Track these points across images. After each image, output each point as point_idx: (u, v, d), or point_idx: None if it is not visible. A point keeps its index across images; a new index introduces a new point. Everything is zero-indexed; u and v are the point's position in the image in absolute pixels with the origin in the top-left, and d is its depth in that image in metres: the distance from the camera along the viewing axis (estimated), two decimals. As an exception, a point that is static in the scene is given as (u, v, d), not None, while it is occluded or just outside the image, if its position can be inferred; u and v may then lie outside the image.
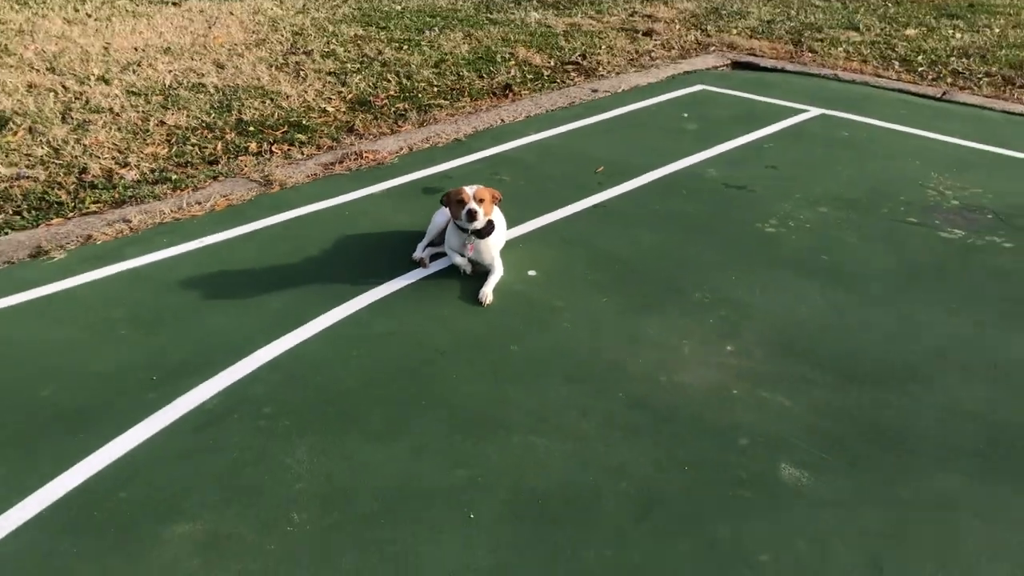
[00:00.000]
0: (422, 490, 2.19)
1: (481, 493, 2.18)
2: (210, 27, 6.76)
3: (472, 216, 3.01)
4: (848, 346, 2.83)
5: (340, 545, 2.02)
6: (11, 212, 3.69)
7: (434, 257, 3.31)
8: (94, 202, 3.80)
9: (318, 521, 2.09)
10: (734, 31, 7.08)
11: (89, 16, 6.95)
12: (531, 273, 3.24)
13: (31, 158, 4.20)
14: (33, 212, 3.70)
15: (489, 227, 3.11)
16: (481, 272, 3.17)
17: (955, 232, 3.64)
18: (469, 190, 3.05)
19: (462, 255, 3.17)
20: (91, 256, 3.32)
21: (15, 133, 4.49)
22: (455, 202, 3.05)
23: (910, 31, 7.29)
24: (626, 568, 1.98)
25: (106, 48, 6.04)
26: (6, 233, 3.51)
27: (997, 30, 7.41)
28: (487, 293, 3.05)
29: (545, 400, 2.54)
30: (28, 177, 4.01)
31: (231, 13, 7.25)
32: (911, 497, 2.21)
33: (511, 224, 3.49)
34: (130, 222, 3.59)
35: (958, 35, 7.18)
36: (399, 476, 2.23)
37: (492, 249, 3.15)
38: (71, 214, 3.69)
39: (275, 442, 2.35)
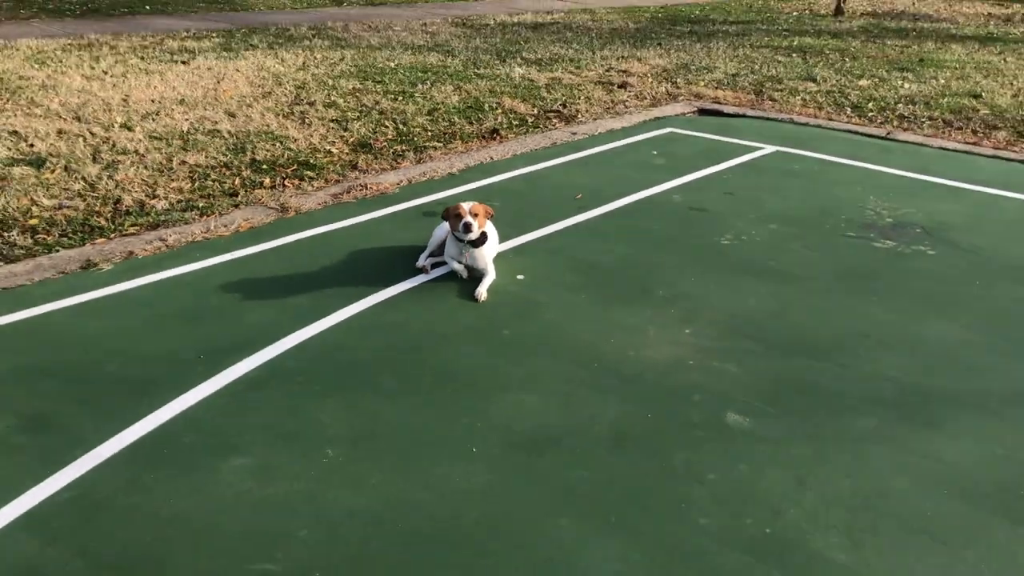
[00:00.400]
0: (431, 434, 2.71)
1: (481, 435, 2.70)
2: (219, 82, 7.42)
3: (468, 228, 3.59)
4: (788, 329, 3.40)
5: (367, 471, 2.53)
6: (58, 235, 4.23)
7: (435, 265, 3.87)
8: (132, 225, 4.35)
9: (348, 455, 2.60)
10: (701, 83, 7.83)
11: (105, 73, 7.60)
12: (519, 277, 3.80)
13: (69, 191, 4.76)
14: (78, 234, 4.24)
15: (483, 238, 3.68)
16: (476, 276, 3.73)
17: (887, 243, 4.25)
18: (466, 205, 3.63)
19: (460, 262, 3.73)
20: (135, 267, 3.86)
21: (52, 171, 5.06)
22: (453, 216, 3.63)
23: (863, 82, 8.06)
24: (601, 483, 2.50)
25: (125, 100, 6.67)
26: (57, 251, 4.04)
27: (942, 81, 8.21)
28: (482, 292, 3.61)
29: (532, 369, 3.08)
30: (69, 207, 4.56)
31: (237, 70, 7.93)
32: (832, 435, 2.75)
33: (502, 239, 4.06)
34: (165, 240, 4.14)
35: (907, 85, 7.96)
36: (412, 424, 2.75)
37: (486, 257, 3.72)
38: (112, 235, 4.24)
39: (308, 401, 2.87)
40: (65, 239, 4.17)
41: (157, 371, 3.01)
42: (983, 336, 3.42)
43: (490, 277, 3.71)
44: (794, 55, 9.47)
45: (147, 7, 12.32)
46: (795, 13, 13.89)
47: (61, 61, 8.02)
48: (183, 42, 9.44)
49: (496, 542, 2.26)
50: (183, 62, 8.25)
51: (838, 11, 14.01)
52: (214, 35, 10.04)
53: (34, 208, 4.50)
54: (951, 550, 2.27)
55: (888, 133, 6.33)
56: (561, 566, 2.18)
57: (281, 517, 2.32)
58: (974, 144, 6.11)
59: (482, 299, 3.58)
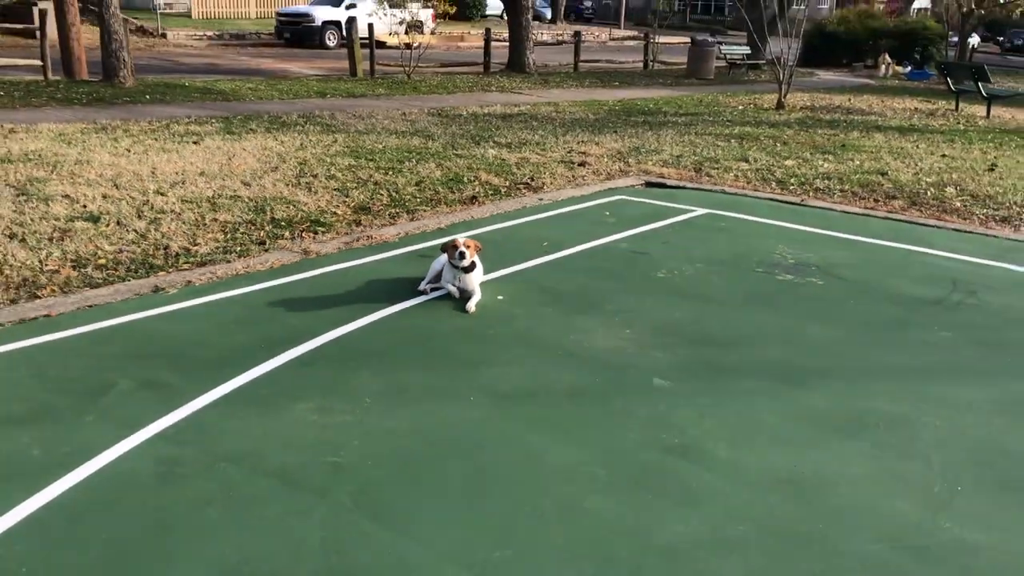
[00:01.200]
0: (441, 390, 3.83)
1: (476, 391, 3.83)
2: (230, 159, 8.67)
3: (462, 256, 4.78)
4: (703, 331, 4.61)
5: (397, 410, 3.64)
6: (124, 271, 5.34)
7: (433, 289, 5.03)
8: (184, 263, 5.49)
9: (382, 402, 3.70)
10: (650, 162, 9.25)
11: (128, 151, 8.82)
12: (500, 297, 4.98)
13: (125, 240, 5.90)
14: (141, 270, 5.36)
15: (472, 266, 4.88)
16: (466, 297, 4.90)
17: (787, 276, 5.53)
18: (460, 239, 4.84)
19: (454, 285, 4.91)
20: (194, 291, 4.97)
21: (107, 225, 6.20)
22: (451, 246, 4.83)
23: (789, 162, 9.55)
24: (561, 417, 3.63)
25: (153, 172, 7.87)
26: (128, 280, 5.15)
27: (857, 162, 9.73)
28: (471, 306, 4.78)
29: (511, 355, 4.23)
30: (128, 251, 5.69)
31: (244, 149, 9.20)
32: (727, 391, 3.93)
33: (486, 272, 5.23)
34: (215, 273, 5.28)
35: (826, 165, 9.46)
36: (426, 384, 3.88)
37: (474, 281, 4.90)
38: (170, 270, 5.36)
39: (347, 372, 3.98)
40: (132, 273, 5.29)
41: (230, 355, 4.11)
42: (850, 335, 4.65)
43: (477, 296, 4.88)
44: (732, 141, 11.01)
45: (147, 96, 13.65)
46: (740, 107, 15.64)
47: (84, 141, 9.23)
48: (187, 127, 10.72)
49: (490, 449, 3.37)
50: (195, 142, 9.51)
51: (779, 105, 15.79)
52: (214, 121, 11.34)
53: (99, 252, 5.62)
54: (799, 450, 3.42)
55: (802, 200, 7.72)
56: (535, 461, 3.29)
57: (340, 434, 3.42)
58: (872, 209, 7.51)
59: (471, 311, 4.75)
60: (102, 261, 5.44)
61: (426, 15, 25.63)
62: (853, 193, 8.17)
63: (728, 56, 24.07)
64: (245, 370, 3.93)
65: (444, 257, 4.98)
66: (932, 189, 8.45)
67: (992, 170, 9.68)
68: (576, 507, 2.98)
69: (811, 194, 8.08)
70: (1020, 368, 4.33)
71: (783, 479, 3.21)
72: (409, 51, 18.47)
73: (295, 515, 2.88)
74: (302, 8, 29.76)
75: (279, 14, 29.54)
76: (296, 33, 28.47)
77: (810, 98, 17.82)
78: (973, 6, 27.74)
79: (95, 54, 15.53)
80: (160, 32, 28.67)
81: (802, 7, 41.29)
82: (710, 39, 25.11)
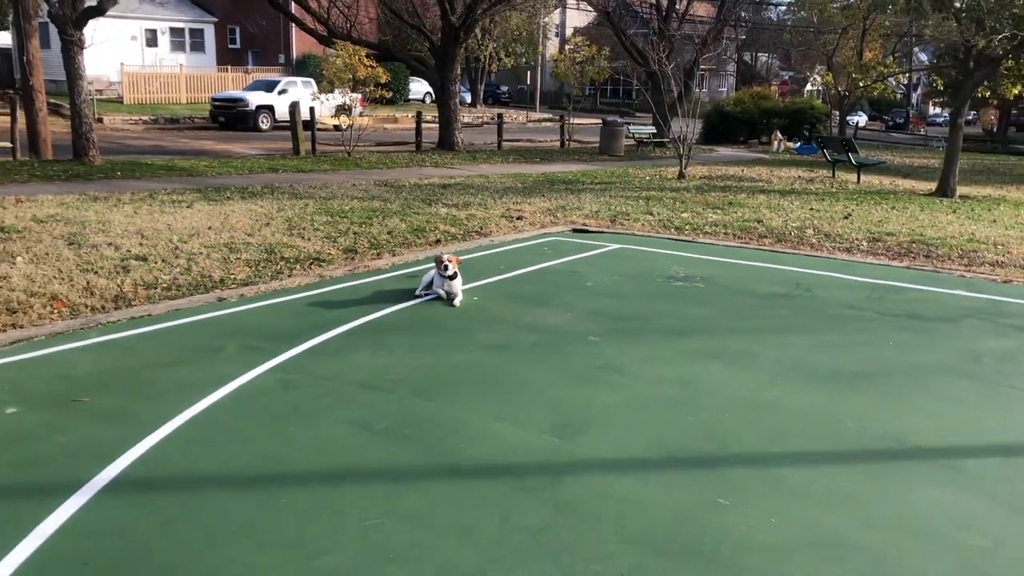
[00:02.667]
0: (445, 345, 5.85)
1: (468, 344, 5.86)
2: (226, 218, 10.57)
3: (446, 267, 6.86)
4: (620, 314, 6.77)
5: (423, 356, 5.63)
6: (187, 291, 7.21)
7: (426, 295, 7.06)
8: (229, 284, 7.39)
9: (410, 352, 5.69)
10: (574, 216, 11.56)
11: (135, 213, 10.62)
12: (475, 298, 7.05)
13: (174, 272, 7.75)
14: (200, 289, 7.23)
15: (455, 275, 6.95)
16: (451, 298, 6.94)
17: (679, 283, 7.78)
18: (445, 255, 6.93)
19: (442, 289, 6.96)
20: (247, 300, 6.88)
21: (155, 263, 8.04)
22: (439, 261, 6.90)
23: (685, 215, 12.00)
24: (529, 356, 5.69)
25: (168, 227, 9.72)
26: (194, 295, 7.02)
27: (740, 214, 12.25)
28: (456, 303, 6.83)
29: (489, 328, 6.28)
30: (181, 279, 7.55)
31: (232, 211, 11.10)
32: (637, 342, 6.06)
33: (464, 283, 7.31)
34: (258, 289, 7.19)
35: (714, 216, 11.94)
36: (435, 343, 5.89)
37: (457, 286, 6.96)
38: (221, 288, 7.25)
39: (381, 339, 5.96)
40: (194, 290, 7.16)
41: (295, 332, 6.04)
42: (720, 313, 6.88)
43: (459, 297, 6.94)
44: (640, 200, 13.47)
45: (118, 173, 15.39)
46: (647, 177, 18.30)
47: (91, 207, 10.98)
48: (171, 196, 12.54)
49: (485, 372, 5.41)
50: (187, 207, 11.36)
51: (681, 176, 18.49)
52: (191, 191, 13.18)
53: (159, 279, 7.47)
54: (681, 367, 5.56)
55: (693, 239, 10.09)
56: (515, 377, 5.34)
57: (388, 366, 5.40)
58: (745, 243, 9.92)
59: (457, 306, 6.80)
60: (165, 285, 7.29)
61: (355, 99, 28.09)
62: (734, 235, 10.60)
63: (636, 135, 27.12)
64: (311, 339, 5.87)
65: (433, 270, 7.04)
66: (796, 231, 10.97)
67: (847, 218, 12.33)
68: (544, 392, 5.03)
69: (700, 235, 10.47)
70: (827, 327, 6.62)
71: (671, 379, 5.33)
72: (348, 131, 20.66)
73: (378, 401, 4.84)
74: (236, 93, 31.83)
75: (214, 99, 31.50)
76: (230, 117, 30.42)
77: (708, 170, 20.67)
78: (843, 90, 31.77)
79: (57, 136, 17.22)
80: (96, 117, 30.21)
81: (703, 91, 45.51)
82: (619, 120, 28.20)
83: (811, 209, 13.30)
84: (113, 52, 34.29)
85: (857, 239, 10.54)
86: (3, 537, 3.27)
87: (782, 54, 52.83)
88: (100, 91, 36.39)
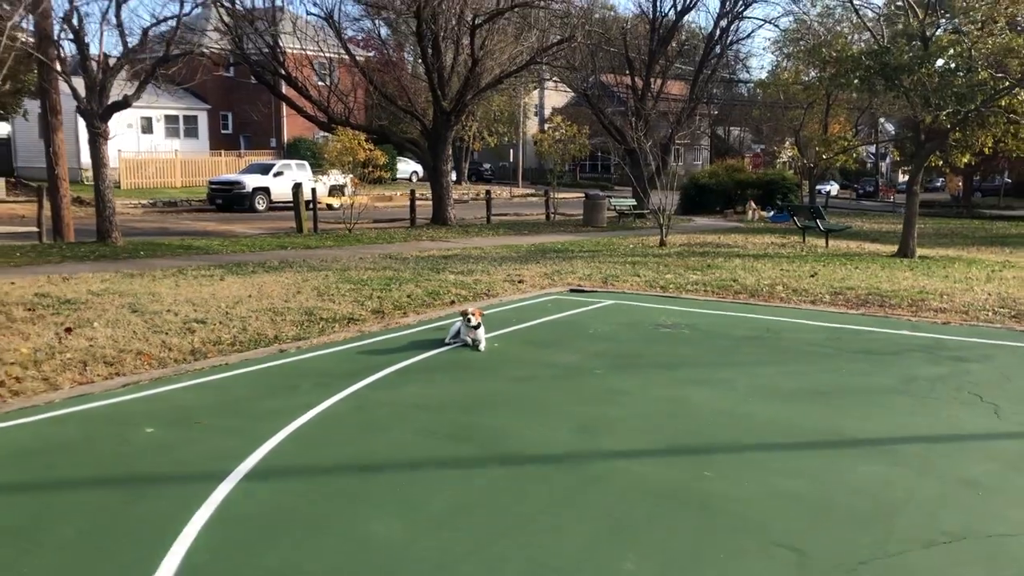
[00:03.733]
0: (478, 377, 7.22)
1: (498, 378, 7.23)
2: (259, 288, 11.95)
3: (471, 320, 8.27)
4: (619, 353, 8.17)
5: (462, 386, 7.00)
6: (249, 345, 8.54)
7: (453, 341, 8.45)
8: (284, 339, 8.74)
9: (451, 383, 7.06)
10: (569, 278, 13.05)
11: (178, 285, 11.99)
12: (496, 344, 8.44)
13: (233, 332, 9.08)
14: (261, 344, 8.56)
15: (479, 325, 8.36)
16: (476, 344, 8.33)
17: (667, 330, 9.22)
18: (470, 308, 8.35)
19: (468, 338, 8.35)
20: (305, 351, 8.22)
21: (214, 325, 9.38)
22: (464, 314, 8.32)
23: (668, 276, 13.53)
24: (548, 386, 7.07)
25: (214, 296, 11.08)
26: (257, 348, 8.36)
27: (718, 274, 13.79)
28: (481, 348, 8.22)
29: (511, 365, 7.66)
30: (240, 337, 8.88)
31: (263, 282, 12.48)
32: (635, 374, 7.46)
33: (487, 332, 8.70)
34: (310, 342, 8.55)
35: (694, 276, 13.47)
36: (470, 377, 7.26)
37: (480, 335, 8.35)
38: (278, 344, 8.60)
39: (426, 375, 7.32)
40: (255, 345, 8.50)
41: (354, 372, 7.39)
42: (703, 353, 8.29)
43: (483, 343, 8.32)
44: (627, 265, 15.02)
45: (141, 253, 16.78)
46: (631, 246, 19.91)
47: (134, 282, 12.34)
48: (198, 271, 13.90)
49: (513, 397, 6.78)
50: (220, 279, 12.74)
51: (662, 244, 20.10)
52: (214, 267, 14.55)
53: (222, 338, 8.81)
54: (673, 391, 6.96)
55: (677, 295, 11.58)
56: (537, 400, 6.70)
57: (433, 396, 6.75)
58: (722, 298, 11.42)
59: (482, 351, 8.19)
60: (229, 342, 8.63)
61: (347, 180, 29.84)
62: (713, 291, 12.11)
63: (617, 207, 28.93)
64: (367, 378, 7.22)
65: (458, 322, 8.45)
66: (767, 287, 12.50)
67: (813, 276, 13.90)
68: (564, 409, 6.40)
69: (683, 292, 11.97)
70: (792, 360, 8.04)
71: (665, 399, 6.72)
72: (347, 210, 22.24)
73: (434, 417, 6.18)
74: (233, 176, 33.56)
75: (211, 182, 33.18)
76: (227, 199, 32.04)
77: (687, 238, 22.35)
78: (808, 163, 33.94)
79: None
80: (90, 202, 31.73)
81: (679, 164, 47.78)
82: (601, 193, 30.04)
83: (781, 270, 14.88)
84: (110, 139, 36.04)
85: (821, 293, 12.07)
86: (186, 505, 4.56)
87: (754, 128, 55.61)
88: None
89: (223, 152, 41.16)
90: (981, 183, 50.72)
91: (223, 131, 45.02)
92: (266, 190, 32.34)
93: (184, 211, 32.39)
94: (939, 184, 67.41)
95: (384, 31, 35.99)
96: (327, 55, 27.20)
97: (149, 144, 39.90)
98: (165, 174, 37.96)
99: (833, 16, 27.14)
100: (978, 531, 4.34)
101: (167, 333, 8.82)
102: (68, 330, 8.82)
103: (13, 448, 5.52)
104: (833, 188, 64.24)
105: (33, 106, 29.95)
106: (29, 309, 9.93)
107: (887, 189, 59.15)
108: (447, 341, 8.47)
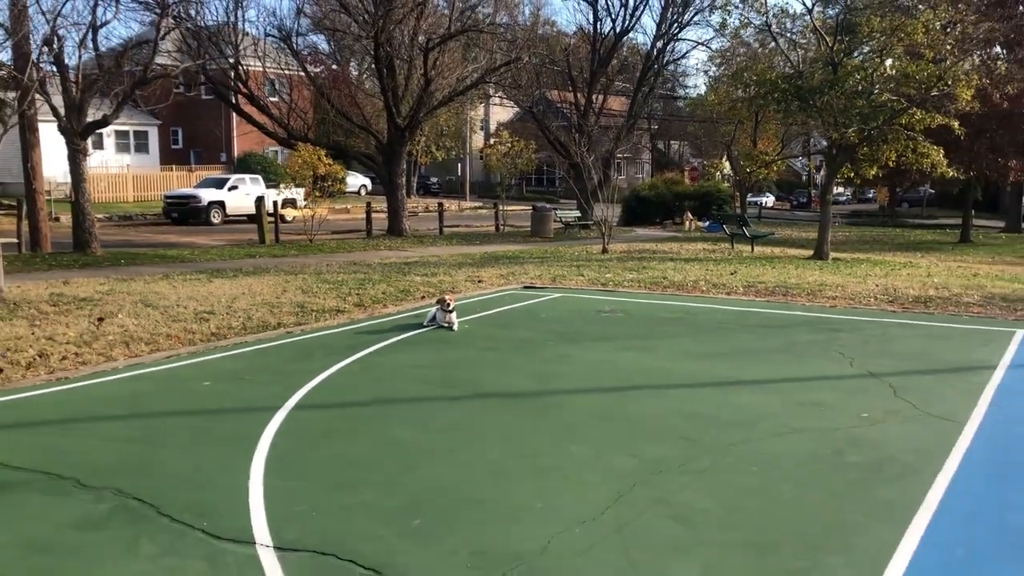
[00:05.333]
0: (456, 345, 9.26)
1: (470, 346, 9.27)
2: (249, 287, 13.79)
3: (447, 305, 10.31)
4: (566, 331, 10.28)
5: (448, 353, 9.02)
6: (259, 331, 10.42)
7: (430, 324, 10.46)
8: (288, 325, 10.65)
9: (440, 350, 9.08)
10: (523, 278, 15.16)
11: (175, 287, 13.76)
12: (466, 326, 10.49)
13: (240, 320, 10.95)
14: (268, 329, 10.45)
15: (454, 310, 10.40)
16: (451, 325, 10.35)
17: (605, 314, 11.38)
18: (446, 295, 10.39)
19: (444, 321, 10.38)
20: (309, 331, 10.15)
21: (222, 315, 11.22)
22: (441, 299, 10.36)
23: (608, 275, 15.72)
24: (508, 352, 9.15)
25: (211, 294, 12.90)
26: (266, 331, 10.26)
27: (651, 274, 16.03)
28: (455, 328, 10.25)
29: (480, 340, 9.71)
30: (248, 324, 10.76)
31: (250, 284, 14.32)
32: (580, 344, 9.59)
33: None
34: (310, 326, 10.48)
35: (630, 276, 15.70)
36: (450, 346, 9.29)
37: (454, 318, 10.38)
38: (283, 328, 10.50)
39: (415, 351, 9.34)
40: (264, 330, 10.40)
41: (356, 345, 9.35)
42: (633, 330, 10.44)
43: (456, 325, 10.36)
44: (573, 267, 17.19)
45: (122, 261, 18.39)
46: (576, 253, 22.11)
47: (130, 284, 14.06)
48: (184, 276, 15.62)
49: (486, 361, 8.84)
50: (208, 281, 14.53)
51: (604, 251, 22.34)
52: (197, 272, 16.27)
53: (232, 325, 10.68)
54: (608, 355, 9.09)
55: (615, 289, 13.76)
56: (505, 361, 8.78)
57: (423, 361, 8.77)
58: (652, 291, 13.64)
59: (456, 330, 10.23)
60: (239, 328, 10.52)
61: (300, 192, 31.59)
62: (645, 286, 14.34)
63: (563, 219, 31.18)
64: (365, 350, 9.20)
65: (434, 309, 10.48)
66: (691, 283, 14.78)
67: (732, 274, 16.23)
68: (525, 368, 8.47)
69: (620, 287, 14.17)
70: (703, 333, 10.23)
71: (601, 360, 8.84)
72: (310, 221, 24.05)
73: (427, 373, 8.19)
74: (188, 191, 34.97)
75: (167, 196, 34.53)
76: (183, 212, 33.43)
77: (627, 246, 24.66)
78: (737, 176, 36.69)
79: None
80: (53, 216, 32.87)
81: (622, 176, 50.18)
82: (548, 206, 32.27)
83: (707, 269, 17.20)
84: (60, 155, 37.15)
85: (736, 286, 14.38)
86: (258, 423, 6.50)
87: (692, 142, 58.67)
88: (49, 192, 39.01)
89: (174, 167, 42.45)
90: (904, 194, 54.42)
91: (173, 146, 46.26)
92: (221, 204, 33.79)
93: (140, 224, 33.68)
94: (871, 195, 71.49)
95: (326, 46, 37.83)
96: (286, 72, 28.98)
97: (100, 159, 40.95)
98: (117, 189, 39.11)
99: (757, 41, 29.81)
100: (814, 427, 6.53)
101: (185, 321, 10.65)
102: (100, 320, 10.61)
103: (109, 395, 7.39)
104: (769, 200, 67.80)
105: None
106: (53, 305, 11.64)
107: (819, 200, 62.68)
108: (425, 324, 10.48)
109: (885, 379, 7.99)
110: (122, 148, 42.51)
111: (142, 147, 43.35)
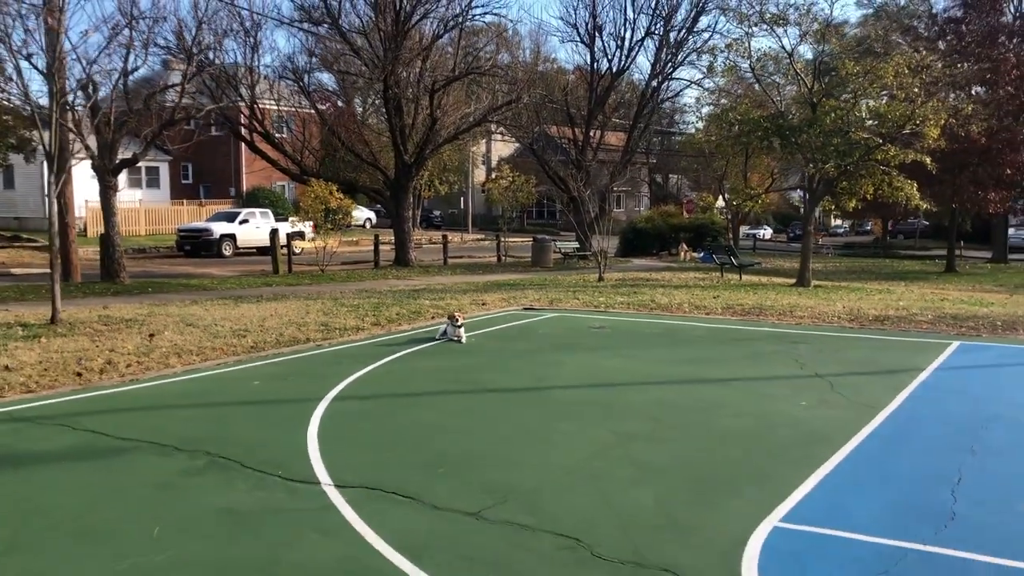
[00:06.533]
0: (466, 354, 10.92)
1: (479, 354, 10.94)
2: (276, 311, 15.46)
3: (456, 320, 11.99)
4: (562, 343, 11.94)
5: (461, 359, 10.69)
6: (291, 345, 12.08)
7: (441, 337, 12.13)
8: (317, 341, 12.31)
9: (452, 358, 10.75)
10: (523, 301, 16.85)
11: (207, 311, 15.43)
12: (473, 339, 12.16)
13: (272, 336, 12.61)
14: (298, 344, 12.12)
15: (462, 325, 12.08)
16: (459, 338, 12.02)
17: (596, 328, 13.05)
18: (456, 312, 12.08)
19: (454, 336, 12.05)
20: (336, 346, 11.82)
21: (256, 333, 12.89)
22: (451, 316, 12.04)
23: (601, 299, 17.40)
24: (511, 359, 10.81)
25: (242, 316, 14.58)
26: (296, 345, 11.92)
27: (640, 298, 17.72)
28: (463, 341, 11.92)
29: (486, 351, 11.38)
30: (281, 340, 12.43)
31: (275, 308, 16.00)
32: (574, 352, 11.25)
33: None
34: (335, 340, 12.15)
35: (622, 299, 17.39)
36: (462, 355, 10.95)
37: (463, 332, 12.05)
38: (312, 341, 12.16)
39: (433, 358, 11.00)
40: (295, 343, 12.06)
41: (376, 356, 11.01)
42: (620, 342, 12.10)
43: (464, 339, 12.02)
44: (569, 292, 18.89)
45: (149, 289, 20.08)
46: (573, 281, 23.78)
47: (165, 308, 15.74)
48: (212, 302, 17.29)
49: (494, 365, 10.51)
50: (236, 306, 16.20)
51: (600, 279, 24.02)
52: (223, 299, 17.93)
53: (267, 340, 12.34)
54: (599, 360, 10.75)
55: (606, 309, 15.44)
56: (508, 366, 10.45)
57: (442, 366, 10.43)
58: (640, 311, 15.31)
59: (464, 343, 11.90)
60: (274, 343, 12.18)
61: (307, 226, 33.39)
62: (634, 308, 16.02)
63: (562, 250, 32.94)
64: (387, 358, 10.85)
65: (445, 325, 12.16)
66: (676, 305, 16.45)
67: (716, 298, 17.88)
68: (525, 370, 10.13)
69: (611, 308, 15.84)
70: (682, 345, 11.88)
71: (591, 366, 10.49)
72: (321, 252, 25.79)
73: (447, 373, 9.85)
74: (200, 224, 36.77)
75: (180, 229, 36.33)
76: (196, 245, 35.18)
77: (623, 275, 26.36)
78: (728, 210, 38.45)
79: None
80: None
81: (620, 209, 51.96)
82: (547, 238, 34.04)
83: (693, 294, 18.89)
84: (76, 190, 39.00)
85: (716, 308, 16.06)
86: (306, 409, 8.13)
87: (689, 175, 60.67)
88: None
89: (184, 201, 44.31)
90: (895, 225, 56.28)
91: (183, 181, 48.20)
92: (232, 237, 35.55)
93: (154, 257, 35.42)
94: (868, 227, 73.33)
95: (330, 82, 39.85)
96: (296, 110, 30.90)
97: (113, 194, 42.86)
98: (131, 223, 40.85)
99: (741, 84, 31.73)
100: (759, 412, 8.17)
101: (225, 337, 12.32)
102: (151, 335, 12.28)
103: (177, 391, 9.04)
104: (767, 232, 69.68)
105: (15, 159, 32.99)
106: (105, 324, 13.32)
107: (815, 232, 64.47)
108: (437, 338, 12.15)
109: (828, 378, 9.63)
110: (134, 183, 44.33)
111: (153, 182, 45.24)
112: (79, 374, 9.76)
